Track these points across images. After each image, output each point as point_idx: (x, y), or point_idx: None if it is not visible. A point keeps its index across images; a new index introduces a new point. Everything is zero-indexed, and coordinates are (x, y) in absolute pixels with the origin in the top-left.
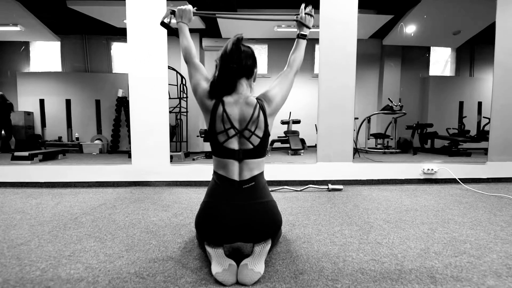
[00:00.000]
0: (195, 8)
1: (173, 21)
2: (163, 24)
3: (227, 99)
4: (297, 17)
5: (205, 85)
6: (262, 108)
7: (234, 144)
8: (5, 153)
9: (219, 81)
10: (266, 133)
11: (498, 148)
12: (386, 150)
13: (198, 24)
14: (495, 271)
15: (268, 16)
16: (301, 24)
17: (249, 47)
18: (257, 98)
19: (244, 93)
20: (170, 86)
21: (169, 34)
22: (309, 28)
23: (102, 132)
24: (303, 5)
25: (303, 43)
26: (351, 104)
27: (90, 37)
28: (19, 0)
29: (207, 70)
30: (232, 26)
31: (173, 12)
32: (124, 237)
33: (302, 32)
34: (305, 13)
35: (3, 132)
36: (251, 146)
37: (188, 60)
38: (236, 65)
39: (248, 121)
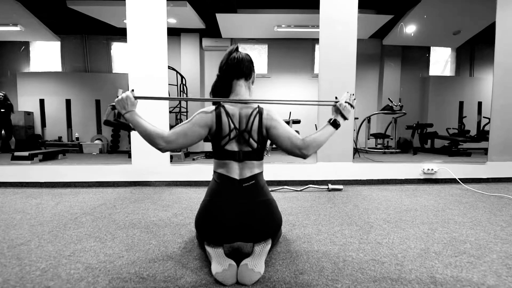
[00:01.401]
0: (132, 90)
1: (122, 117)
2: (107, 123)
3: (227, 104)
4: (336, 103)
5: (199, 120)
6: (260, 113)
7: (234, 147)
8: (5, 153)
9: (220, 82)
10: (262, 136)
11: (498, 148)
12: (386, 150)
13: (198, 24)
14: (495, 271)
15: (299, 102)
16: (338, 112)
17: (247, 54)
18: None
19: (243, 94)
20: (170, 86)
21: (129, 130)
22: (345, 119)
23: (102, 132)
24: (347, 93)
25: (331, 131)
26: None
27: (90, 37)
28: (19, 0)
29: (207, 70)
30: (232, 26)
31: (114, 107)
32: (124, 237)
33: (336, 119)
34: (345, 101)
35: (3, 132)
36: (250, 149)
37: (163, 143)
38: (235, 66)
39: (247, 121)
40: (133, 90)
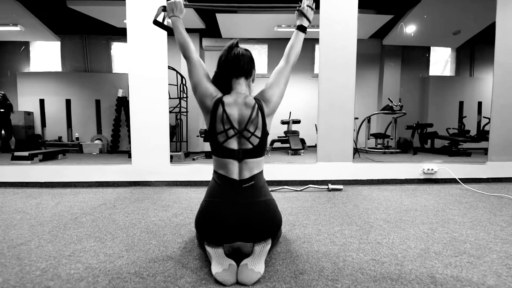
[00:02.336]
0: None
1: (167, 19)
2: (156, 22)
3: (227, 100)
4: (298, 7)
5: (206, 83)
6: (260, 108)
7: (233, 144)
8: (5, 153)
9: (219, 80)
10: (265, 132)
11: (498, 148)
12: (386, 150)
13: (198, 24)
14: (495, 271)
15: (267, 7)
16: (302, 15)
17: (247, 50)
18: (255, 98)
19: (243, 92)
20: (170, 86)
21: (168, 34)
22: (309, 21)
23: (102, 132)
24: None
25: (301, 36)
26: (351, 104)
27: (90, 37)
28: (19, 0)
29: (208, 70)
30: (233, 26)
31: (165, 9)
32: (124, 237)
33: (302, 24)
34: (307, 5)
35: (3, 132)
36: (250, 146)
37: (186, 56)
38: (235, 64)
39: (247, 122)
40: None
